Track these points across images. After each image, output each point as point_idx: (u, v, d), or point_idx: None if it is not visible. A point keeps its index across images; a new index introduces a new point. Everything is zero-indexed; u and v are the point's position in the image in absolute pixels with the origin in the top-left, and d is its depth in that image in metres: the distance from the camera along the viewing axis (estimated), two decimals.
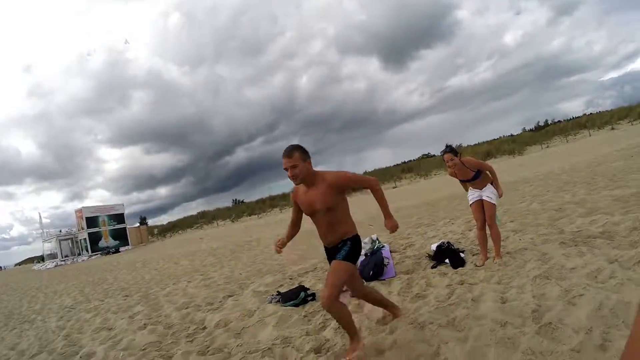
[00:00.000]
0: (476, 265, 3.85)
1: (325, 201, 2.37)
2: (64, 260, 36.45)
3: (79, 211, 40.70)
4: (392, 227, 2.51)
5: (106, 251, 37.77)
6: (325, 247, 2.62)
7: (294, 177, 2.36)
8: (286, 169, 2.35)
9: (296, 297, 3.85)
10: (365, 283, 3.36)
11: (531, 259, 3.60)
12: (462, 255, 4.22)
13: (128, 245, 41.31)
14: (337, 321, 2.51)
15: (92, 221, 39.64)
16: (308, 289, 4.05)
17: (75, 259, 36.38)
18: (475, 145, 43.04)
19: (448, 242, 4.53)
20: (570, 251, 3.56)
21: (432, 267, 4.17)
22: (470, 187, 4.01)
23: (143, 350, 3.79)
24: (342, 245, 2.43)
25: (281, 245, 2.72)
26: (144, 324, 4.81)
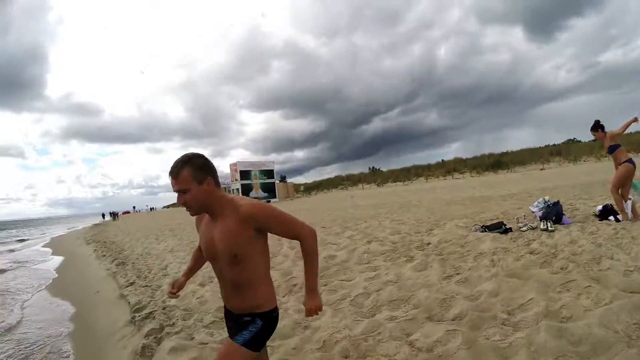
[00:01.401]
0: (630, 220, 5.52)
1: (230, 243, 1.65)
2: None
3: (234, 165, 47.54)
4: (310, 310, 1.79)
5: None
6: (225, 307, 1.89)
7: (186, 206, 1.68)
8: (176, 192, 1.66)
9: (500, 227, 5.92)
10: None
11: None
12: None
13: (276, 198, 46.88)
14: None
15: (245, 174, 46.35)
16: (506, 224, 6.09)
17: None
18: (628, 134, 37.55)
19: (611, 205, 6.10)
20: None
21: (599, 220, 5.86)
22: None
23: (383, 254, 5.57)
24: (249, 324, 1.71)
25: (179, 288, 2.04)
26: (367, 241, 6.47)
